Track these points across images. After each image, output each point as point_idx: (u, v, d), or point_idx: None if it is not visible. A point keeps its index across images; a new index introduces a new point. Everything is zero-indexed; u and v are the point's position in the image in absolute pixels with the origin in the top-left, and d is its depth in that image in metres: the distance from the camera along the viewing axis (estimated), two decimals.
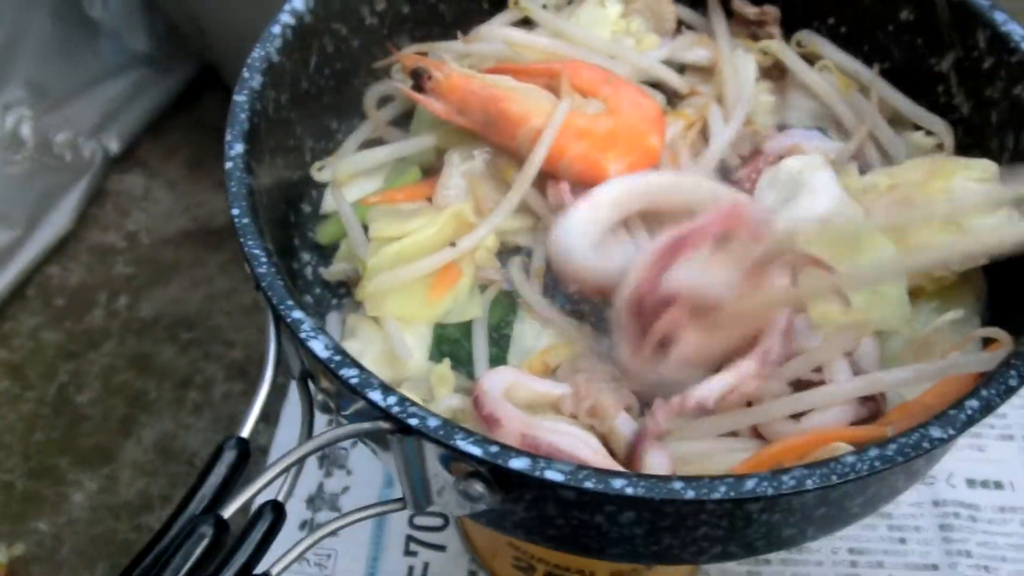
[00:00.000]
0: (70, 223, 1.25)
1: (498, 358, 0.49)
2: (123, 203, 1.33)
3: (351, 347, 0.48)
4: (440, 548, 0.78)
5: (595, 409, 0.43)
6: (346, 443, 0.87)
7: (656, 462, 0.43)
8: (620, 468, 0.42)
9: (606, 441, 0.44)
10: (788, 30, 0.63)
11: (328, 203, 0.55)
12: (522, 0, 0.59)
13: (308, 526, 0.79)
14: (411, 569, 0.77)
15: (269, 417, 1.15)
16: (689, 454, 0.45)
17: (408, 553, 0.78)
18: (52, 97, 1.29)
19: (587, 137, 0.52)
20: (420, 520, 0.79)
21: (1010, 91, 0.52)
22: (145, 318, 1.22)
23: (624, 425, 0.43)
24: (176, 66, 1.42)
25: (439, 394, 0.45)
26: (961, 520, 0.77)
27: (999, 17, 0.53)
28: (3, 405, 1.11)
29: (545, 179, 0.53)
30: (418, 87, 0.53)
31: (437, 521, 0.79)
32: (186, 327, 1.22)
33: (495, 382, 0.43)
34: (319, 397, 0.42)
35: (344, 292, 0.53)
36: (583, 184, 0.53)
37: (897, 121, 0.60)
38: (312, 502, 0.81)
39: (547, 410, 0.45)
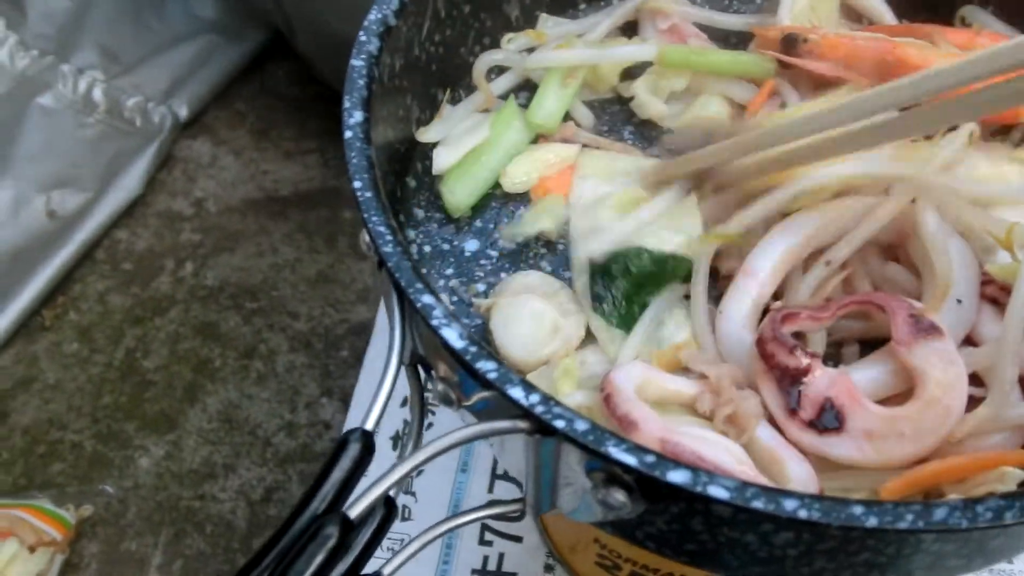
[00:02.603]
0: (139, 188, 1.24)
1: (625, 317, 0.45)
2: (191, 169, 1.32)
3: None
4: (516, 539, 0.75)
5: (734, 417, 0.39)
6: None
7: (800, 473, 0.39)
8: (767, 480, 0.38)
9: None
10: (940, 7, 0.58)
11: (441, 162, 0.51)
12: None
13: None
14: (486, 559, 0.74)
15: (332, 392, 1.15)
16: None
17: (483, 543, 0.75)
18: (123, 62, 1.28)
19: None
20: None
21: None
22: (211, 286, 1.21)
23: (764, 433, 0.40)
24: (244, 33, 1.40)
25: (562, 390, 0.42)
26: None
27: None
28: (73, 367, 1.11)
29: None
30: (791, 53, 0.52)
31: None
32: (250, 296, 1.20)
33: (627, 379, 0.40)
34: (439, 387, 0.39)
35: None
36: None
37: None
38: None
39: (676, 409, 0.42)
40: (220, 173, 1.34)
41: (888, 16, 0.59)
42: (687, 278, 0.45)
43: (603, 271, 0.45)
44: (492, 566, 0.74)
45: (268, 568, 0.31)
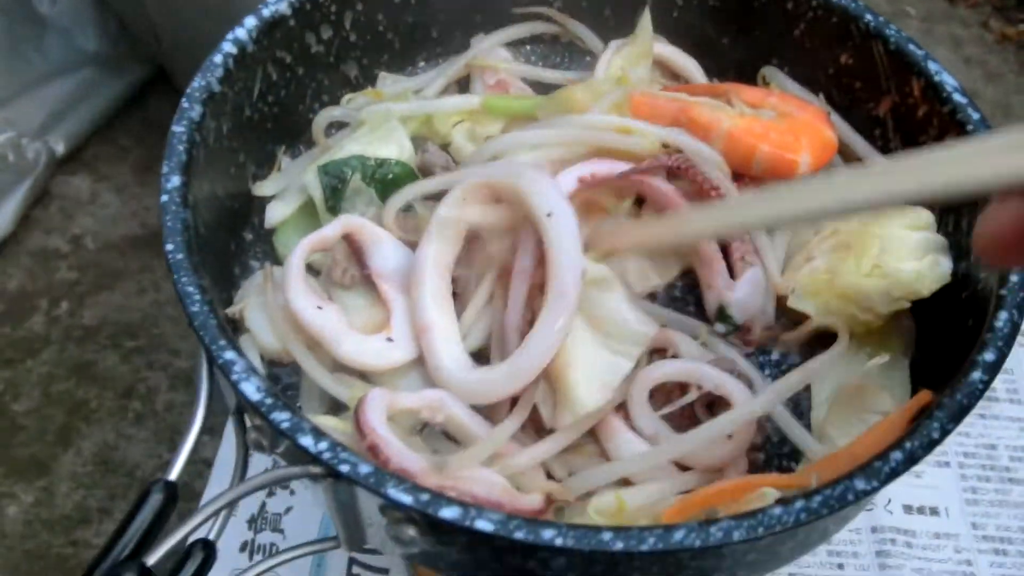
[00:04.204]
0: (11, 226, 1.21)
1: None
2: (68, 206, 1.30)
3: None
4: (383, 572, 0.77)
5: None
6: None
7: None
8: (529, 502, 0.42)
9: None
10: (745, 68, 0.64)
11: (274, 216, 0.54)
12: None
13: (249, 548, 0.78)
14: None
15: (214, 429, 1.14)
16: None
17: None
18: None
19: (772, 136, 0.55)
20: None
21: (943, 140, 0.54)
22: (88, 325, 1.19)
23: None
24: (127, 66, 1.39)
25: None
26: (897, 546, 0.79)
27: (933, 67, 0.55)
28: None
29: None
30: None
31: None
32: (130, 335, 1.19)
33: (378, 416, 0.42)
34: (252, 435, 0.41)
35: None
36: (774, 178, 0.56)
37: (849, 160, 0.61)
38: (254, 523, 0.80)
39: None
40: (100, 210, 1.32)
41: (698, 75, 0.65)
42: None
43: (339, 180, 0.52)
44: None
45: None
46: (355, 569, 0.77)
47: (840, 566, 0.79)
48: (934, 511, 0.83)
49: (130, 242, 1.28)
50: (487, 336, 0.49)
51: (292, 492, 0.82)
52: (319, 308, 0.47)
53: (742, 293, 0.51)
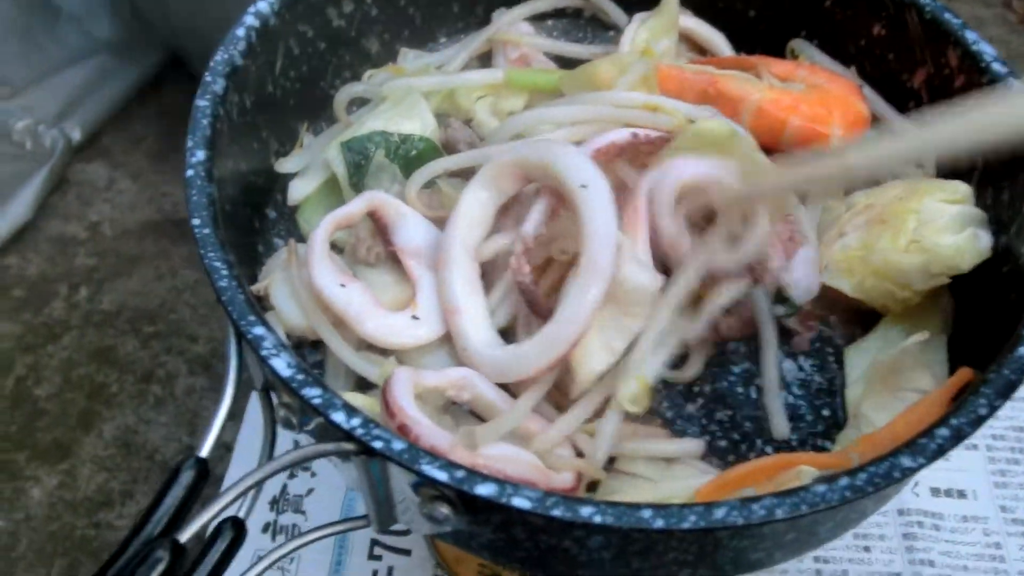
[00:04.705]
0: (29, 213, 1.21)
1: None
2: (85, 193, 1.30)
3: None
4: (405, 552, 0.77)
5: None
6: None
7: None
8: (560, 479, 0.41)
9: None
10: (773, 41, 0.63)
11: (296, 193, 0.53)
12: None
13: (271, 529, 0.78)
14: (375, 573, 0.76)
15: (234, 413, 1.14)
16: (655, 473, 0.45)
17: (372, 557, 0.77)
18: (11, 84, 1.25)
19: (803, 109, 0.54)
20: None
21: None
22: (107, 310, 1.19)
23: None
24: (142, 53, 1.39)
25: None
26: (925, 529, 0.78)
27: (970, 36, 0.53)
28: None
29: None
30: None
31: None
32: (149, 320, 1.19)
33: (405, 394, 0.41)
34: (281, 413, 0.40)
35: None
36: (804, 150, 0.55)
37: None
38: (276, 504, 0.80)
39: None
40: (117, 196, 1.32)
41: (725, 48, 0.63)
42: None
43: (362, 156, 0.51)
44: None
45: None
46: (377, 550, 0.77)
47: (867, 548, 0.78)
48: (962, 494, 0.82)
49: (147, 228, 1.28)
50: (513, 314, 0.49)
51: (313, 474, 0.82)
52: (343, 286, 0.46)
53: (799, 273, 0.50)
